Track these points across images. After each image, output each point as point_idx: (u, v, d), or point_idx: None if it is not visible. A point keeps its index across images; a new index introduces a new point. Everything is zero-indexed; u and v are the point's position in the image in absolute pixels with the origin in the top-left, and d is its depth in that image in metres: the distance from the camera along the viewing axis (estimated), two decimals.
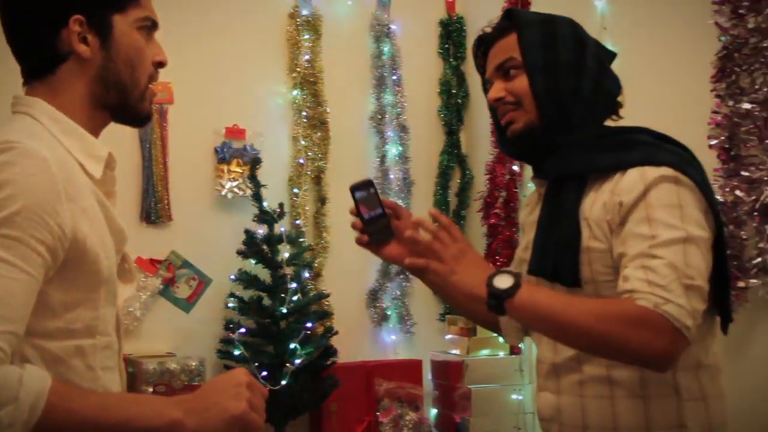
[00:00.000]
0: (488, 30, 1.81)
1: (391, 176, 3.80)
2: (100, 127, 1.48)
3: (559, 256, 1.64)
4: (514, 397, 3.37)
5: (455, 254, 1.62)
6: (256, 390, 1.36)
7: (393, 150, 3.84)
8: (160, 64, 1.50)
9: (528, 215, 1.87)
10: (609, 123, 1.80)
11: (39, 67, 1.42)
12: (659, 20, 2.89)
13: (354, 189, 1.83)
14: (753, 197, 2.39)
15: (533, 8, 3.56)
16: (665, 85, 2.85)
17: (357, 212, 1.83)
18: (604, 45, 1.81)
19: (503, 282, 1.54)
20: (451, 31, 4.01)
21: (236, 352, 3.18)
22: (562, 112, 1.69)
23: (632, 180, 1.58)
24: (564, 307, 1.54)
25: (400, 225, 1.84)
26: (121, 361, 1.50)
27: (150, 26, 1.49)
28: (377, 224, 1.82)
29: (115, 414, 1.25)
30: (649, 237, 1.52)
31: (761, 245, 2.37)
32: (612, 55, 1.82)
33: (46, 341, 1.30)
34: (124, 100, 1.45)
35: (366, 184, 1.85)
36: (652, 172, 1.58)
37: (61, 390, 1.22)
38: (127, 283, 1.53)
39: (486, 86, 1.81)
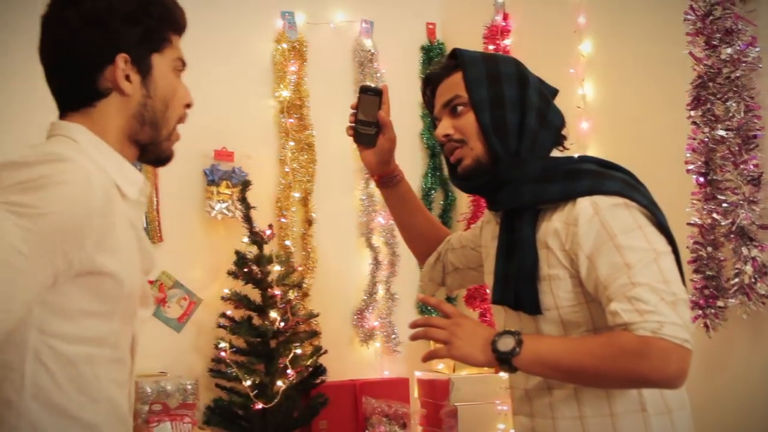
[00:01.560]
0: (435, 69, 1.90)
1: (376, 198, 3.89)
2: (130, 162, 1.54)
3: (520, 286, 1.72)
4: (499, 414, 3.44)
5: (452, 331, 1.67)
6: None
7: None
8: (188, 106, 1.58)
9: (486, 237, 1.95)
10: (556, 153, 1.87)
11: (79, 101, 1.48)
12: (637, 51, 3.01)
13: (363, 89, 2.04)
14: (729, 220, 2.50)
15: (513, 35, 3.69)
16: (644, 112, 2.97)
17: (355, 109, 2.03)
18: (545, 82, 1.87)
19: (506, 344, 1.61)
20: (432, 56, 4.12)
21: (228, 371, 3.24)
22: (509, 146, 1.76)
23: (584, 210, 1.65)
24: (568, 353, 1.60)
25: (384, 142, 2.06)
26: (132, 380, 1.54)
27: (181, 67, 1.58)
28: (365, 128, 2.04)
29: None
30: (624, 266, 1.58)
31: (738, 266, 2.47)
32: (554, 92, 1.89)
33: (60, 342, 1.34)
34: (154, 137, 1.53)
35: (374, 91, 2.04)
36: (602, 201, 1.65)
37: None
38: (144, 306, 1.57)
39: (435, 123, 1.89)
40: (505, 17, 3.74)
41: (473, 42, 3.81)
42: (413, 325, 1.75)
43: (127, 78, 1.48)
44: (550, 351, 1.62)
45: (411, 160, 4.04)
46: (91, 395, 1.38)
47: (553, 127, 1.82)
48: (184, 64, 1.58)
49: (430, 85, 1.90)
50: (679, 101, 2.69)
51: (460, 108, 1.80)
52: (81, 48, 1.45)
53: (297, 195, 3.74)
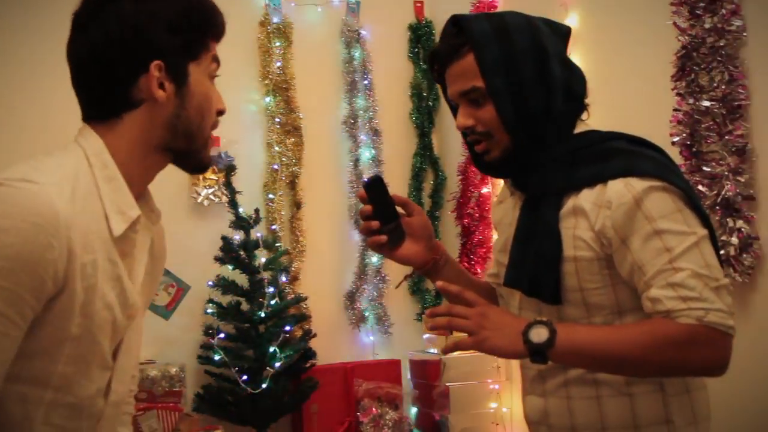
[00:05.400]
0: (442, 47, 1.70)
1: (365, 179, 3.85)
2: (156, 171, 1.46)
3: (538, 272, 1.63)
4: (491, 393, 3.43)
5: (478, 321, 1.54)
6: None
7: (366, 153, 3.90)
8: (221, 112, 1.47)
9: (502, 216, 1.84)
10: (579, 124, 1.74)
11: (106, 111, 1.39)
12: (622, 22, 2.97)
13: (366, 185, 1.72)
14: (714, 191, 2.46)
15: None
16: (629, 84, 2.92)
17: (372, 212, 1.72)
18: (554, 23, 1.69)
19: (539, 335, 1.51)
20: (420, 35, 4.07)
21: (216, 357, 3.23)
22: (536, 133, 1.64)
23: (618, 192, 1.55)
24: (606, 343, 1.52)
25: (412, 222, 1.79)
26: (105, 428, 1.42)
27: (215, 71, 1.47)
28: (389, 226, 1.72)
29: None
30: (665, 251, 1.50)
31: (723, 238, 2.43)
32: (566, 31, 1.72)
33: None
34: (189, 147, 1.43)
35: (376, 180, 1.73)
36: (638, 183, 1.55)
37: None
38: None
39: (449, 101, 1.75)
40: None
41: None
42: (432, 314, 1.61)
43: (162, 87, 1.38)
44: (587, 341, 1.52)
45: (400, 141, 4.01)
46: None
47: (578, 97, 1.69)
48: (218, 65, 1.47)
49: (437, 62, 1.71)
50: (664, 72, 2.65)
51: (479, 99, 1.65)
52: (116, 54, 1.36)
53: (284, 178, 3.71)
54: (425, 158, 4.01)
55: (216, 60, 1.46)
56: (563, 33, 1.72)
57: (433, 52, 1.73)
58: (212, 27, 1.45)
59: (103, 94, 1.38)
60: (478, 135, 1.67)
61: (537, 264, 1.63)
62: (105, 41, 1.35)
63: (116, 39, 1.35)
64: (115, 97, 1.37)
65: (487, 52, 1.63)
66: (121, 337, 1.40)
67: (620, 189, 1.55)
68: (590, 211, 1.58)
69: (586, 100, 1.73)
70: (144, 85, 1.37)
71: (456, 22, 1.68)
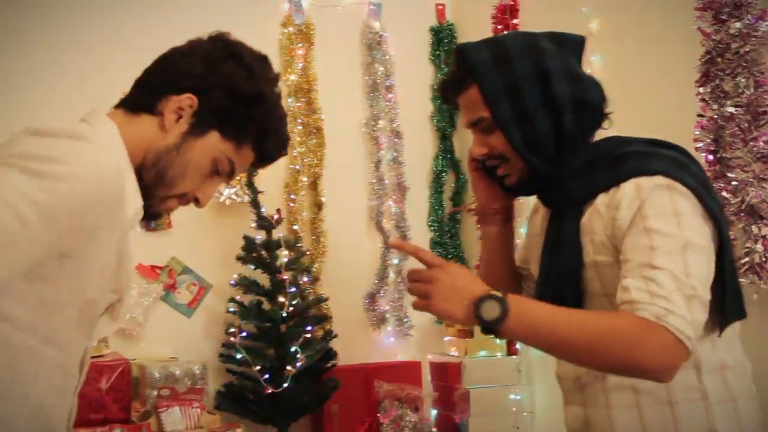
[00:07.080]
0: (447, 80, 1.76)
1: (386, 181, 3.86)
2: None
3: (559, 287, 1.65)
4: (512, 397, 3.43)
5: (428, 285, 1.54)
6: None
7: (387, 155, 3.90)
8: (196, 201, 1.51)
9: (537, 226, 1.85)
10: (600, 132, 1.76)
11: (134, 102, 1.50)
12: (645, 27, 2.96)
13: None
14: (739, 198, 2.46)
15: (522, 17, 3.63)
16: (652, 89, 2.92)
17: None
18: (562, 36, 1.70)
19: (490, 312, 1.49)
20: (441, 38, 4.08)
21: (238, 356, 3.24)
22: (548, 155, 1.66)
23: (627, 194, 1.56)
24: (559, 327, 1.50)
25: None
26: (73, 398, 1.45)
27: (223, 171, 1.50)
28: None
29: None
30: (649, 248, 1.49)
31: (748, 245, 2.43)
32: (578, 41, 1.72)
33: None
34: (150, 185, 1.46)
35: None
36: (645, 182, 1.55)
37: None
38: (114, 320, 1.51)
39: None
40: None
41: (483, 22, 3.76)
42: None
43: (179, 118, 1.46)
44: (536, 322, 1.50)
45: (421, 143, 4.02)
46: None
47: (595, 107, 1.69)
48: (229, 175, 1.51)
49: (448, 92, 1.76)
50: (687, 78, 2.65)
51: (488, 128, 1.68)
52: (181, 67, 1.48)
53: (305, 179, 3.72)
54: (446, 161, 4.02)
55: (232, 167, 1.50)
56: (574, 44, 1.72)
57: (441, 86, 1.78)
58: (260, 139, 1.51)
59: (143, 84, 1.51)
60: (495, 159, 1.70)
61: (559, 277, 1.65)
62: (182, 55, 1.51)
63: (199, 62, 1.49)
64: (146, 95, 1.48)
65: (488, 83, 1.65)
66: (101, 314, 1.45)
67: (629, 190, 1.57)
68: (604, 215, 1.60)
69: (607, 108, 1.74)
70: (170, 102, 1.46)
71: (459, 52, 1.71)
